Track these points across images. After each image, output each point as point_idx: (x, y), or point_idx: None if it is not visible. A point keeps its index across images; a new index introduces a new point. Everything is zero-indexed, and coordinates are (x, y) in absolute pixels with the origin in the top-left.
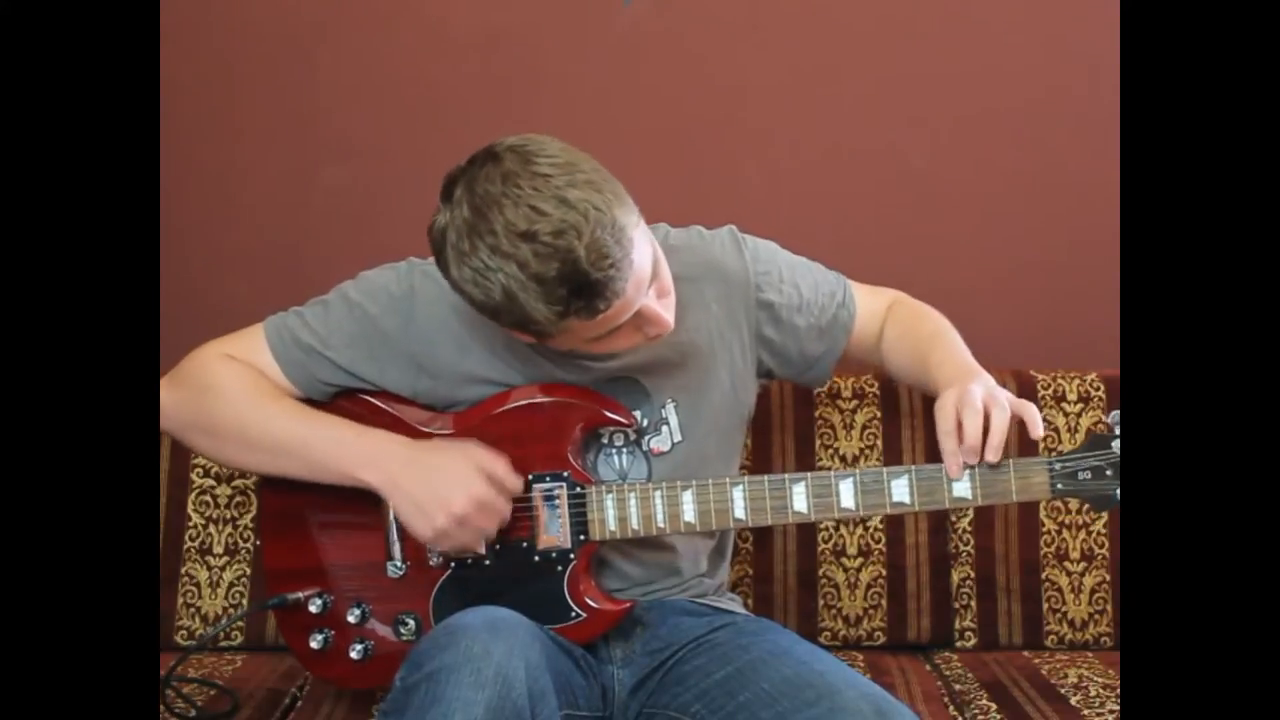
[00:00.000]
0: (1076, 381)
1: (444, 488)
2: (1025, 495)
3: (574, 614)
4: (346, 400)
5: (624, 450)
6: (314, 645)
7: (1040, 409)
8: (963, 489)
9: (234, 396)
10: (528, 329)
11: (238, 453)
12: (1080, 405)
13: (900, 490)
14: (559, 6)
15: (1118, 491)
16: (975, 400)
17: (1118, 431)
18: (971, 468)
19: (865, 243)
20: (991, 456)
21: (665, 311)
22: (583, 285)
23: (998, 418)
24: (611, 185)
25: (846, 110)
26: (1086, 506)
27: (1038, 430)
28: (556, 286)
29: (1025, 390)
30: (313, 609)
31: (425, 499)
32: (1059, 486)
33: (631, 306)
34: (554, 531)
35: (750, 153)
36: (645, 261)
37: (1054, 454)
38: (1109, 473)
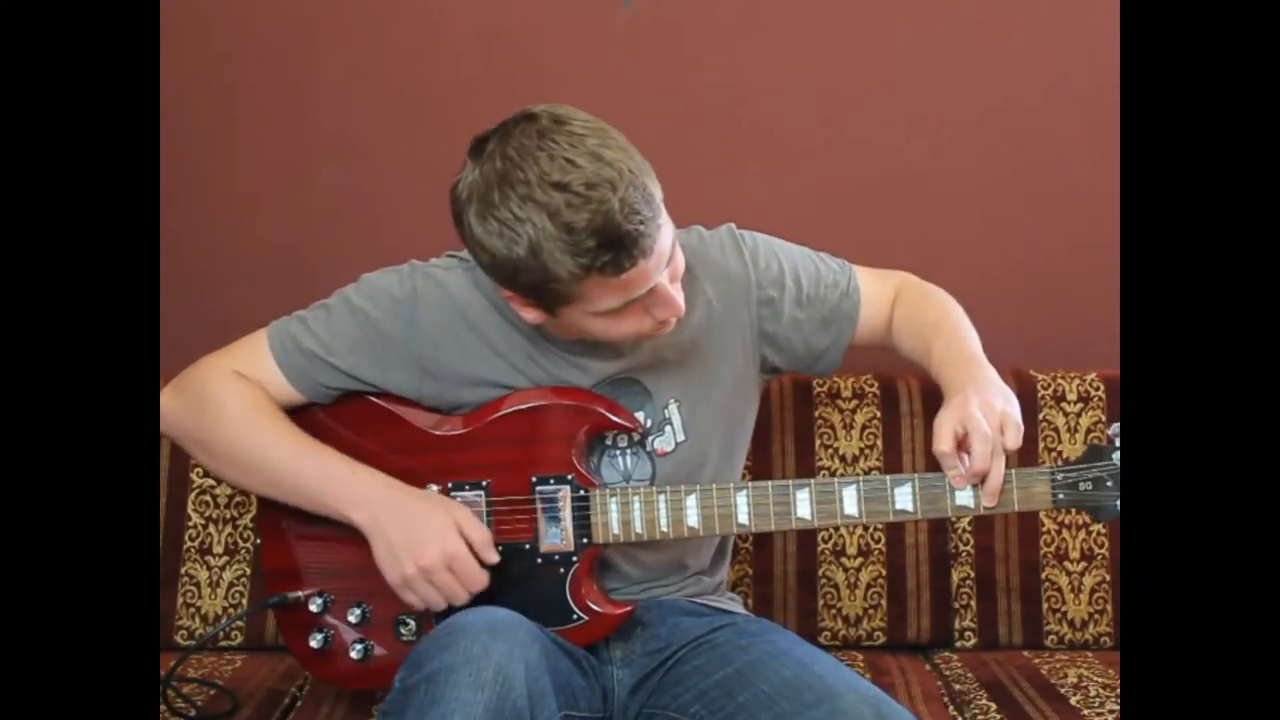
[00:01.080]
0: (1076, 381)
1: (419, 536)
2: (1027, 505)
3: (575, 616)
4: (355, 403)
5: (628, 451)
6: (313, 645)
7: (1040, 409)
8: (965, 498)
9: (232, 417)
10: (544, 291)
11: (230, 472)
12: (1080, 405)
13: (903, 498)
14: (558, 6)
15: (1118, 503)
16: (983, 426)
17: (1118, 443)
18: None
19: (865, 242)
20: (988, 501)
21: (676, 295)
22: (612, 238)
23: (998, 466)
24: (641, 158)
25: (846, 109)
26: (1086, 521)
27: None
28: (586, 237)
29: (1025, 390)
30: (313, 608)
31: (400, 544)
32: (1060, 496)
33: (650, 277)
34: (556, 534)
35: (749, 152)
36: (668, 234)
37: (1056, 457)
38: (1109, 483)
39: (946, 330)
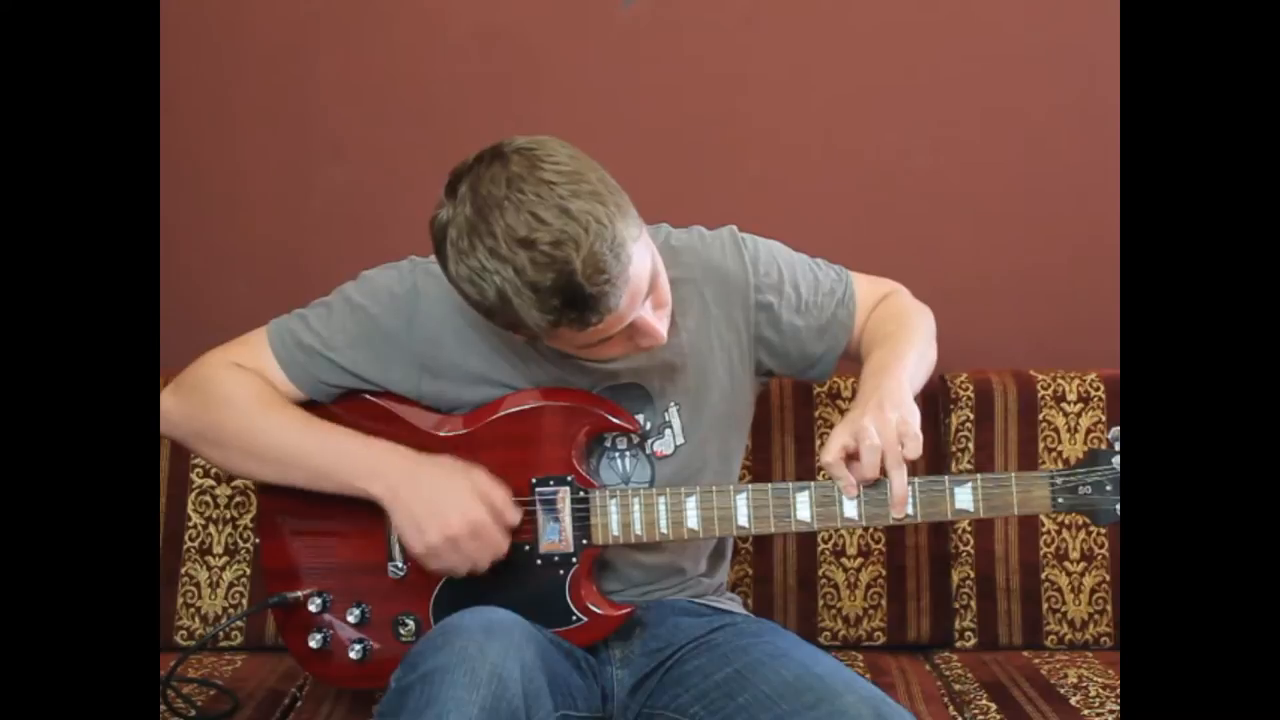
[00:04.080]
0: (1076, 381)
1: (443, 505)
2: (1026, 509)
3: (575, 618)
4: (353, 403)
5: (627, 453)
6: (313, 645)
7: (1040, 409)
8: (965, 501)
9: (239, 406)
10: (520, 330)
11: (242, 462)
12: (1080, 405)
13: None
14: (558, 6)
15: (1117, 507)
16: (873, 437)
17: (1118, 447)
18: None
19: (865, 242)
20: (896, 512)
21: (659, 324)
22: (576, 298)
23: (898, 476)
24: (616, 197)
25: (846, 109)
26: (1086, 521)
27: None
28: (550, 296)
29: (1025, 390)
30: (312, 608)
31: (422, 514)
32: (1059, 501)
33: (624, 320)
34: (556, 535)
35: (749, 152)
36: (643, 274)
37: (1056, 457)
38: (1109, 488)
39: (891, 344)
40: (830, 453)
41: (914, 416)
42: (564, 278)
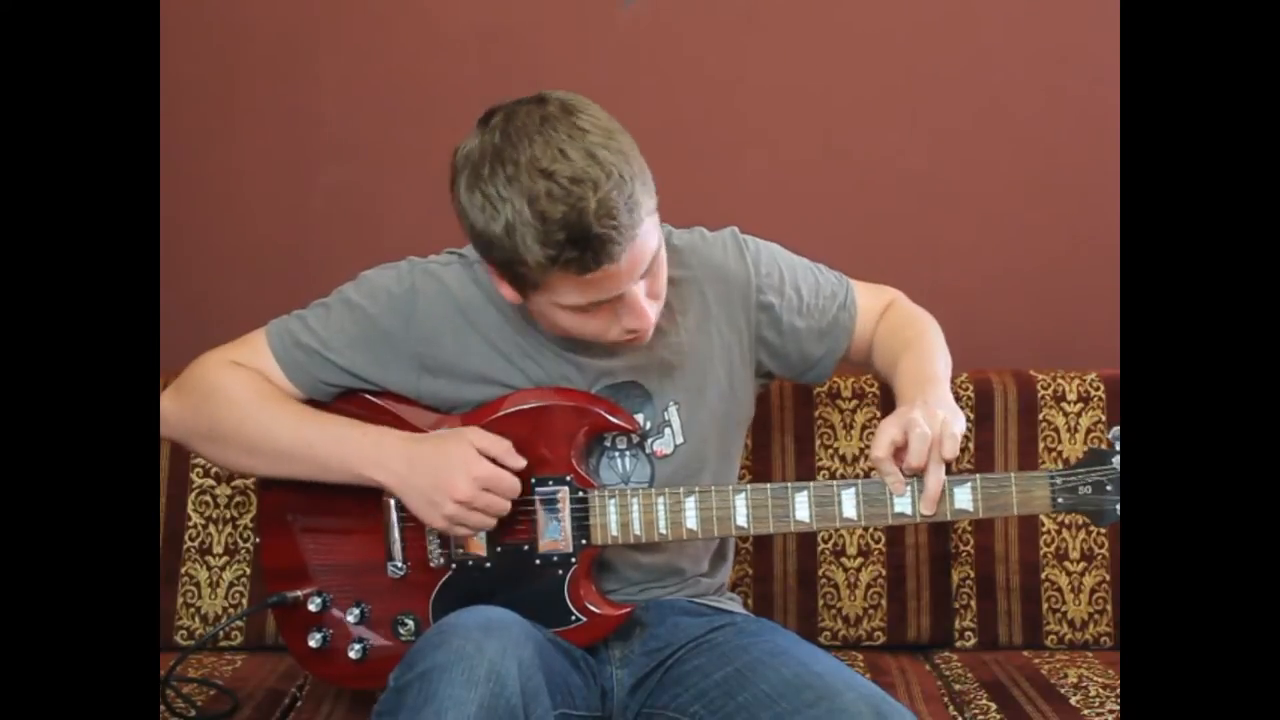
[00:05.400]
0: (1076, 381)
1: (447, 474)
2: (1026, 509)
3: (574, 618)
4: (351, 403)
5: (626, 453)
6: (312, 644)
7: (1040, 409)
8: (965, 501)
9: (238, 401)
10: (514, 271)
11: (243, 457)
12: (1080, 405)
13: (902, 501)
14: (558, 6)
15: (1117, 507)
16: (923, 427)
17: (1118, 447)
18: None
19: (865, 242)
20: (926, 509)
21: (648, 309)
22: (581, 236)
23: (936, 473)
24: (642, 166)
25: (846, 110)
26: (1086, 521)
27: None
28: (556, 229)
29: (1025, 390)
30: (312, 608)
31: (431, 490)
32: (1060, 501)
33: (618, 284)
34: (555, 535)
35: (749, 152)
36: (649, 246)
37: (1056, 457)
38: (1109, 488)
39: (918, 349)
40: (881, 447)
41: (958, 419)
42: (575, 213)
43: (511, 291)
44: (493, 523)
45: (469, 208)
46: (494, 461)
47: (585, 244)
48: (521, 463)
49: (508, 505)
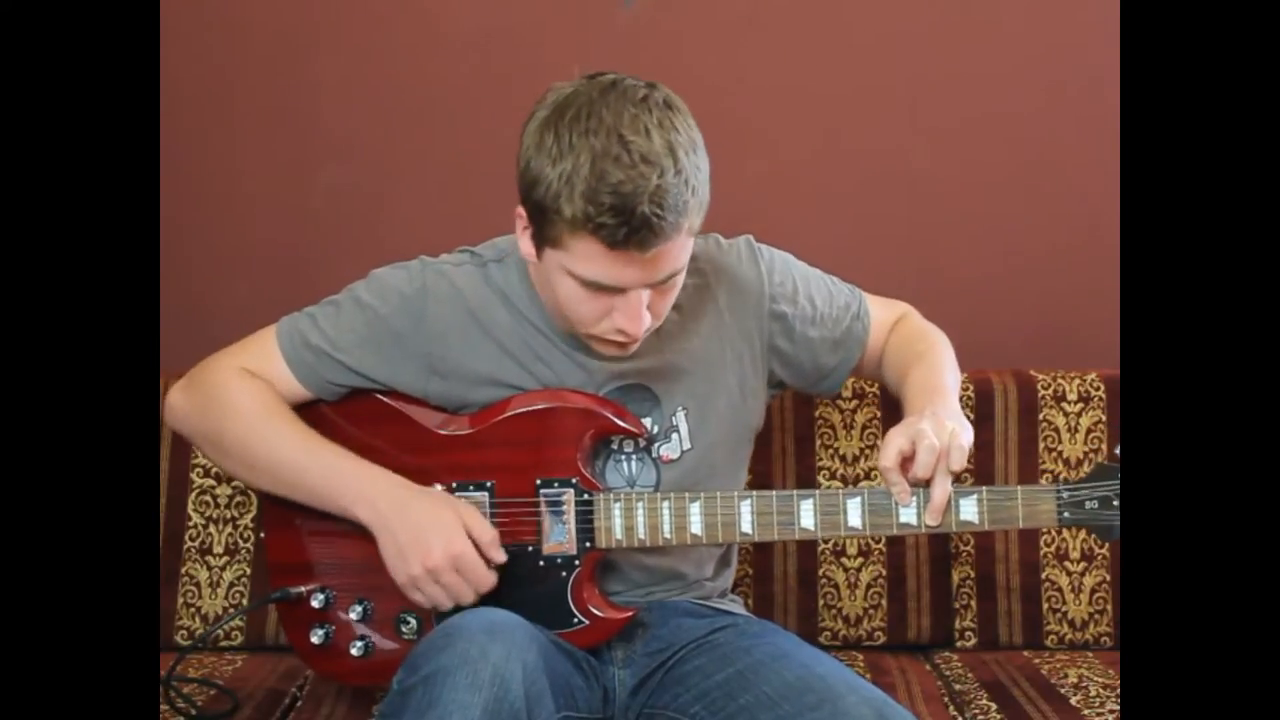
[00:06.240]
0: (1076, 381)
1: (426, 536)
2: (1032, 522)
3: (577, 620)
4: (360, 401)
5: (633, 457)
6: (315, 640)
7: (1040, 409)
8: (970, 513)
9: (243, 416)
10: (545, 217)
11: (239, 470)
12: (1080, 405)
13: (907, 512)
14: (558, 6)
15: None
16: (930, 438)
17: None
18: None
19: (865, 243)
20: (931, 520)
21: (645, 319)
22: (625, 208)
23: (942, 484)
24: (706, 187)
25: (846, 110)
26: (1092, 535)
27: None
28: (606, 193)
29: (1025, 390)
30: (315, 604)
31: (407, 543)
32: (1065, 515)
33: (634, 276)
34: (560, 537)
35: (749, 153)
36: (676, 257)
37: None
38: (1115, 503)
39: (928, 362)
40: (889, 457)
41: (966, 431)
42: (630, 185)
43: (529, 245)
44: (449, 604)
45: (532, 143)
46: (476, 547)
47: (626, 217)
48: (502, 557)
49: (472, 595)
